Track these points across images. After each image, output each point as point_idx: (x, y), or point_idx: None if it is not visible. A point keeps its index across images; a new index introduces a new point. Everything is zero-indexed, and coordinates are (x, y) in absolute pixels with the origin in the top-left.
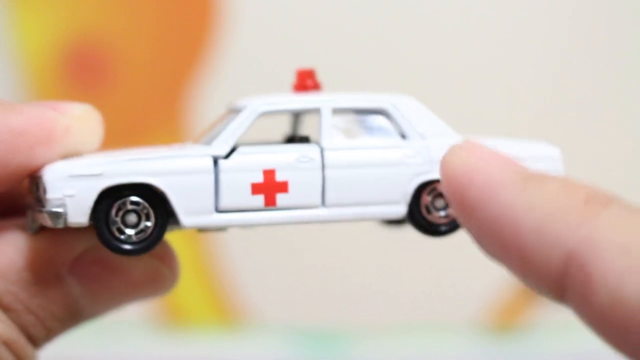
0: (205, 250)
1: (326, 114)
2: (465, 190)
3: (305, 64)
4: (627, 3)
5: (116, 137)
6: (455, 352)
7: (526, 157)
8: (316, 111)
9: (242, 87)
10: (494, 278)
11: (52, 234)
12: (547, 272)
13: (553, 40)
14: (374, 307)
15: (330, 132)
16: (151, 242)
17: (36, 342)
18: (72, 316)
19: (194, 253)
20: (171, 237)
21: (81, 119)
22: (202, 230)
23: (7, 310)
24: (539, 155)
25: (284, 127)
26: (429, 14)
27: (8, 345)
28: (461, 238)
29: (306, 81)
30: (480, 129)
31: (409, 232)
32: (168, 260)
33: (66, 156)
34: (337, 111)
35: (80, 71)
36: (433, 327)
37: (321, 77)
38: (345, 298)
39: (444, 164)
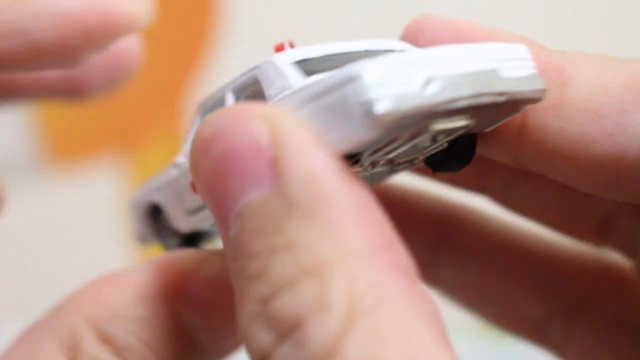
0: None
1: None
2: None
3: None
4: (627, 3)
5: (116, 137)
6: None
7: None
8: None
9: None
10: None
11: (156, 265)
12: None
13: (553, 40)
14: None
15: None
16: None
17: None
18: (191, 352)
19: None
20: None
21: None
22: None
23: (129, 350)
24: (503, 57)
25: None
26: None
27: None
28: None
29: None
30: None
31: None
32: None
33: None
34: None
35: None
36: None
37: None
38: None
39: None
